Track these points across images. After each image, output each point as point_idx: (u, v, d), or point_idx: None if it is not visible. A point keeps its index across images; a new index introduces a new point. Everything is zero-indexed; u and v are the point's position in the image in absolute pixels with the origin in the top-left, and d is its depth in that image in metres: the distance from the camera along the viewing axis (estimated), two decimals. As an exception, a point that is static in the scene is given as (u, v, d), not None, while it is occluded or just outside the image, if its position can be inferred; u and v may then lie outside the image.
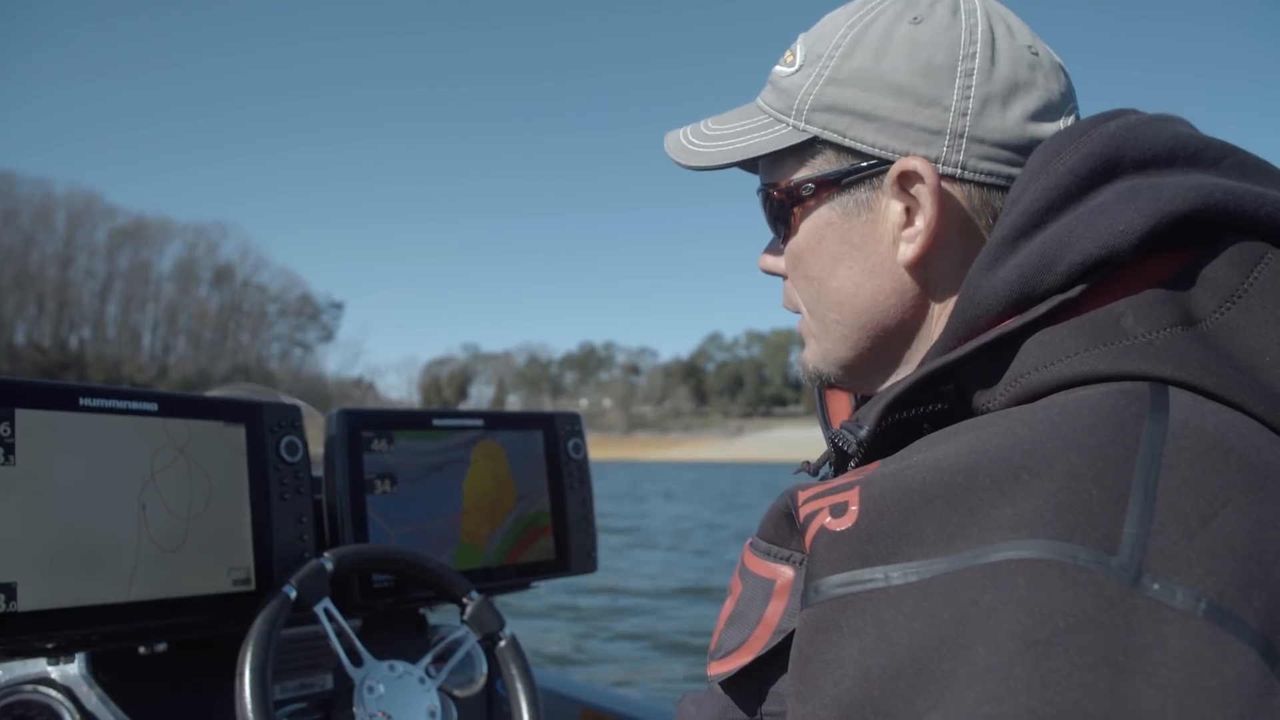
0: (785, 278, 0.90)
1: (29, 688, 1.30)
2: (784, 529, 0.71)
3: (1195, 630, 0.48)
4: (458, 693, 1.50)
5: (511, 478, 1.73)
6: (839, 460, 0.77)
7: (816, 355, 0.87)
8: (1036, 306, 0.67)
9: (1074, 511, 0.53)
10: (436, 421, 1.66)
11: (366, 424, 1.58)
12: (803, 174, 0.82)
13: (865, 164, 0.79)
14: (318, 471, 1.57)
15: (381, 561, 1.41)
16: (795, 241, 0.84)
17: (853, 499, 0.62)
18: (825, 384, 0.89)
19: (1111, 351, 0.63)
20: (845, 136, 0.79)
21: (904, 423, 0.71)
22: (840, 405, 0.98)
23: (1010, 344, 0.68)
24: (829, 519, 0.62)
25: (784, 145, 0.82)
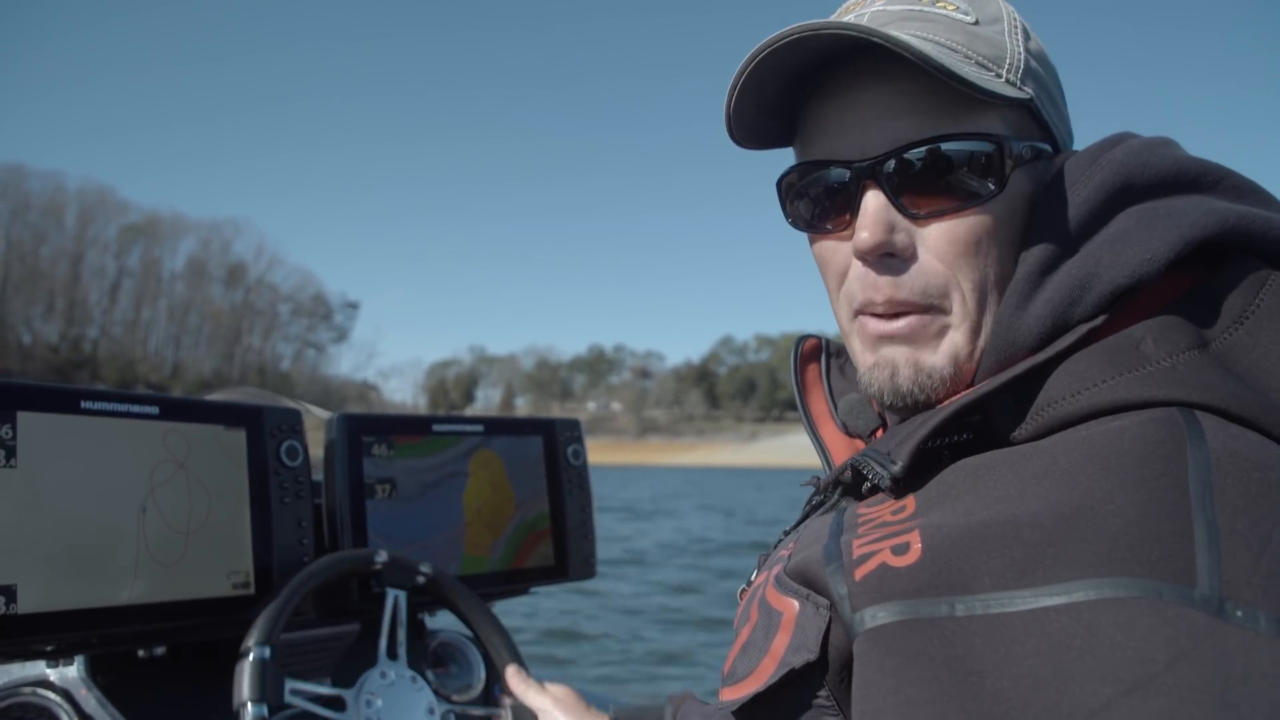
0: (899, 257, 0.74)
1: (28, 690, 1.30)
2: (811, 572, 0.71)
3: None
4: (456, 698, 1.50)
5: (509, 484, 1.73)
6: (854, 480, 0.77)
7: (948, 356, 0.74)
8: (1064, 337, 0.68)
9: (1145, 546, 0.53)
10: (436, 427, 1.66)
11: (367, 429, 1.58)
12: (1011, 134, 0.74)
13: (1049, 146, 0.78)
14: (318, 476, 1.57)
15: (300, 596, 1.33)
16: (991, 209, 0.73)
17: (914, 540, 0.62)
18: (922, 404, 0.76)
19: (1136, 379, 0.64)
20: (1046, 112, 0.77)
21: (927, 451, 0.71)
22: (821, 406, 0.98)
23: (1037, 375, 0.68)
24: (890, 556, 0.62)
25: (1006, 94, 0.72)
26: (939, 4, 0.76)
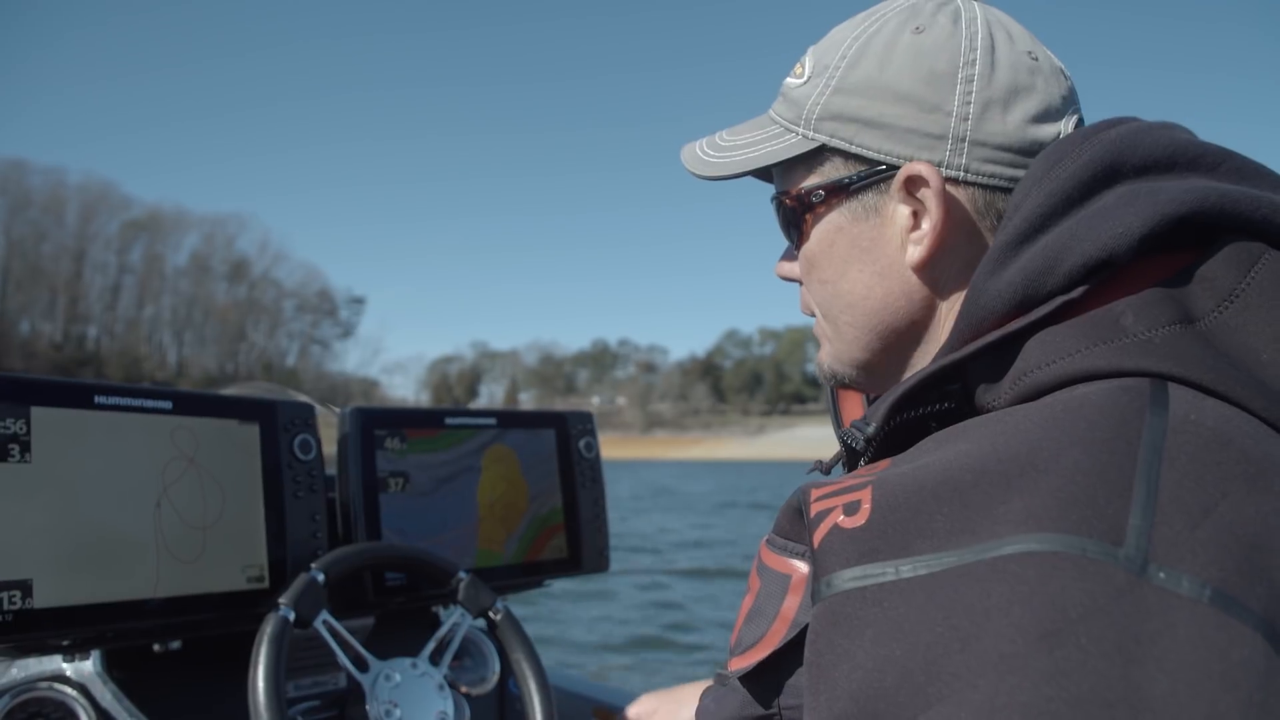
0: (801, 283, 0.92)
1: (44, 685, 1.30)
2: (799, 525, 0.73)
3: (1202, 616, 0.49)
4: (470, 690, 1.51)
5: (523, 479, 1.73)
6: (850, 459, 0.79)
7: (831, 357, 0.90)
8: (1039, 307, 0.69)
9: (1080, 505, 0.54)
10: (449, 420, 1.66)
11: (379, 422, 1.58)
12: (812, 181, 0.85)
13: (872, 170, 0.82)
14: (331, 470, 1.57)
15: (370, 558, 1.41)
16: (808, 247, 0.87)
17: (865, 498, 0.63)
18: (841, 384, 0.92)
19: (1112, 349, 0.65)
20: (852, 143, 0.82)
21: (912, 421, 0.73)
22: (852, 405, 1.01)
23: (1013, 343, 0.70)
24: (842, 517, 0.63)
25: (794, 154, 0.85)
26: (796, 69, 0.88)
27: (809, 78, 0.86)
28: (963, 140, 0.78)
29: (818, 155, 0.85)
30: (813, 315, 0.92)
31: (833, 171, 0.84)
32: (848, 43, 0.84)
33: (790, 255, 0.93)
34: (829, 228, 0.85)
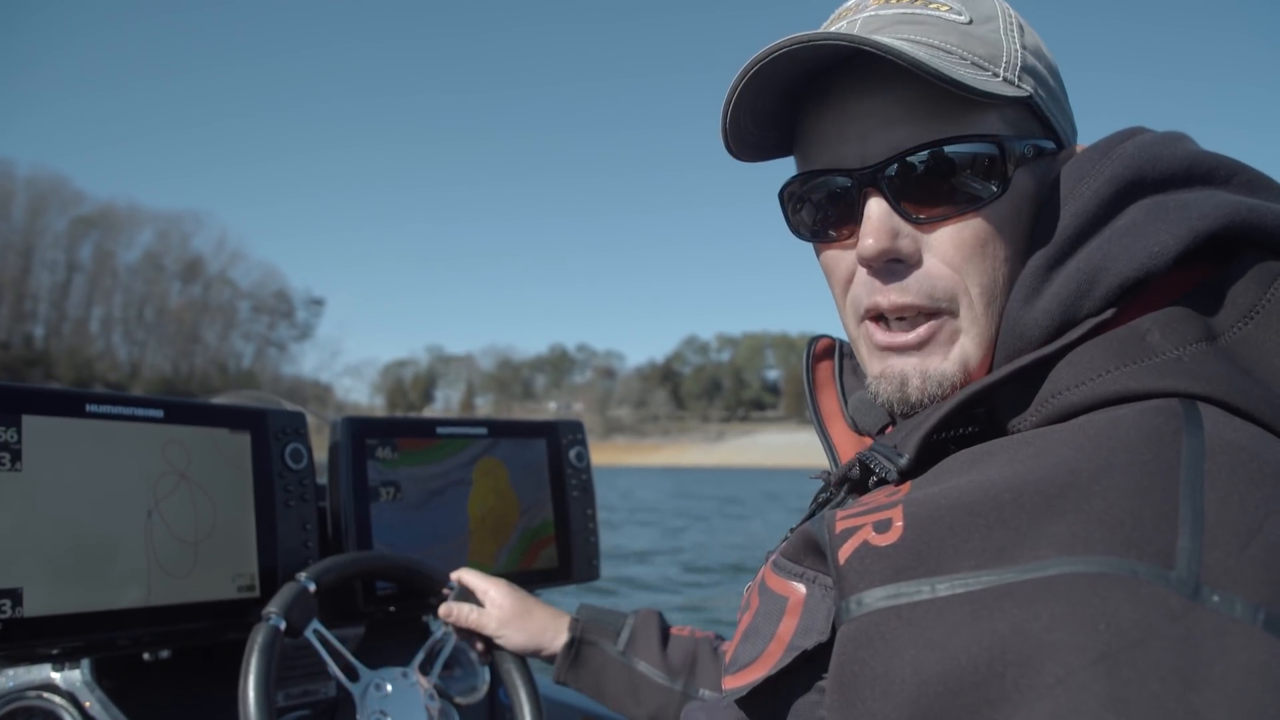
0: (905, 262, 0.75)
1: (33, 694, 1.29)
2: (807, 550, 0.72)
3: (1257, 641, 0.49)
4: (460, 700, 1.50)
5: (513, 491, 1.73)
6: (862, 476, 0.77)
7: (967, 358, 0.75)
8: (1072, 331, 0.69)
9: (1127, 527, 0.54)
10: (440, 429, 1.66)
11: (370, 432, 1.58)
12: (1012, 134, 0.75)
13: (1054, 138, 0.79)
14: (322, 479, 1.57)
15: (361, 567, 1.41)
16: (996, 210, 0.74)
17: (897, 516, 0.63)
18: (929, 402, 0.76)
19: (1141, 369, 0.65)
20: (1047, 108, 0.77)
21: (934, 444, 0.72)
22: (831, 405, 0.97)
23: (1043, 367, 0.69)
24: (872, 534, 0.63)
25: (1001, 92, 0.73)
26: (931, 6, 0.77)
27: (974, 20, 0.77)
28: (1074, 141, 0.80)
29: (1011, 107, 0.75)
30: (932, 311, 0.75)
31: (1029, 131, 0.76)
32: (991, 3, 0.79)
33: (905, 224, 0.74)
34: (1021, 194, 0.75)
